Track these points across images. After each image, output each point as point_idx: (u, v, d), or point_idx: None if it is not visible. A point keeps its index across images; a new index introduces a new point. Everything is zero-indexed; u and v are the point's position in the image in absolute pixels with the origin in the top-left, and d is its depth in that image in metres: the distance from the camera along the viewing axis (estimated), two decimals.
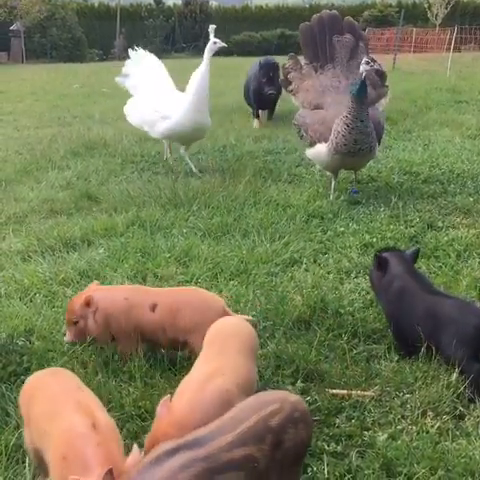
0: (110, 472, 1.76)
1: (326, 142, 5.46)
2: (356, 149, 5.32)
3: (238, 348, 2.51)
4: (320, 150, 5.58)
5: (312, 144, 5.73)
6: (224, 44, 6.72)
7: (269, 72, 9.55)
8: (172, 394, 2.25)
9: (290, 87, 6.17)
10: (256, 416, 1.97)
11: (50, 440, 2.00)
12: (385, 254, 3.27)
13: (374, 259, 3.30)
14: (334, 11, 6.12)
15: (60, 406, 2.08)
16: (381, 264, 3.23)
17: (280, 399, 2.09)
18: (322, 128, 5.56)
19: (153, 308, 2.93)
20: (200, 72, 6.55)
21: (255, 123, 9.84)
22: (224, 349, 2.49)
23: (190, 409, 2.14)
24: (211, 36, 6.67)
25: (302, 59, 6.19)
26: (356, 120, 5.24)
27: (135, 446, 2.00)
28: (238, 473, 1.85)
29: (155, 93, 6.89)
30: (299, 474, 2.17)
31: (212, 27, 6.81)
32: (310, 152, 5.83)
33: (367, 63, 5.16)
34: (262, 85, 9.54)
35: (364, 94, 5.21)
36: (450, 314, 2.91)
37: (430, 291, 3.13)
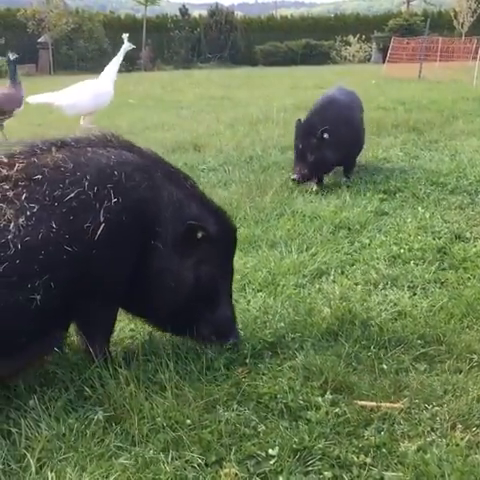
0: None
1: None
2: None
3: None
4: None
5: None
6: (134, 46, 10.85)
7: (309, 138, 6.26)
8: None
9: None
10: None
11: None
12: None
13: None
14: None
15: None
16: None
17: None
18: None
19: None
20: (113, 63, 10.21)
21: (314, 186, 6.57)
22: None
23: None
24: (125, 40, 10.25)
25: None
26: None
27: None
28: None
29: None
30: None
31: (125, 35, 10.39)
32: None
33: None
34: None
35: None
36: None
37: None
